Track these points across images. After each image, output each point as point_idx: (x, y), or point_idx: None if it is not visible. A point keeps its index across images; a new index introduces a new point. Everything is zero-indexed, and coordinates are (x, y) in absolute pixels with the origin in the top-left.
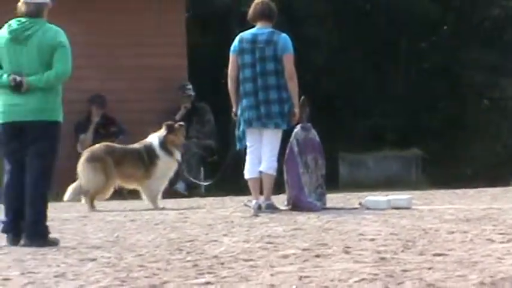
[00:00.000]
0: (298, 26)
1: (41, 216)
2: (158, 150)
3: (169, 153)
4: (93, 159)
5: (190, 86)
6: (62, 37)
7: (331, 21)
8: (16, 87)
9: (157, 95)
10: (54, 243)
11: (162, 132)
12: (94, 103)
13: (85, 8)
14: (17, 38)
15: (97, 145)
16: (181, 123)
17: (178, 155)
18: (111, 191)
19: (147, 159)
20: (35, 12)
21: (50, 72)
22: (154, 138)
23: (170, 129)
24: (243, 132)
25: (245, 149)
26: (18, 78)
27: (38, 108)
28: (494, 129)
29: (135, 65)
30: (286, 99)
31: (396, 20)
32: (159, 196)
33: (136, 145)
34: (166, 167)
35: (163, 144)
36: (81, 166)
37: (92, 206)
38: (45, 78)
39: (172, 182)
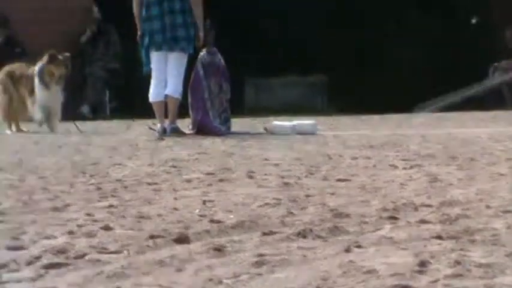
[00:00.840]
0: None
1: None
2: (36, 80)
3: (45, 84)
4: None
5: (96, 9)
6: None
7: None
8: None
9: (63, 17)
10: None
11: (43, 61)
12: None
13: None
14: None
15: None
16: (67, 54)
17: (56, 87)
18: (23, 110)
19: (30, 85)
20: None
21: None
22: (37, 67)
23: (51, 60)
24: (147, 56)
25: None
26: None
27: None
28: (399, 55)
29: None
30: (191, 24)
31: None
32: (42, 123)
33: (30, 70)
34: (41, 97)
35: (41, 74)
36: None
37: (10, 129)
38: None
39: (77, 105)
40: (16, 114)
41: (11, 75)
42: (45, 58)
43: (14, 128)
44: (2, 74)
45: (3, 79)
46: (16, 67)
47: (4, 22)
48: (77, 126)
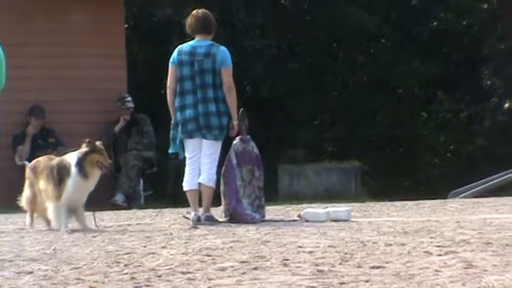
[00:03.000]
0: (238, 38)
1: None
2: (74, 169)
3: (85, 173)
4: (26, 175)
5: (129, 98)
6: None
7: (271, 33)
8: None
9: (96, 107)
10: None
11: (83, 150)
12: (32, 114)
13: (23, 19)
14: None
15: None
16: (101, 143)
17: (95, 177)
18: (43, 206)
19: (53, 176)
20: None
21: None
22: (75, 156)
23: (93, 148)
24: (177, 139)
25: (174, 156)
26: None
27: None
28: (432, 142)
29: (74, 76)
30: (224, 112)
31: (335, 32)
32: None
33: (53, 161)
34: (74, 187)
35: (82, 163)
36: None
37: (30, 221)
38: None
39: (111, 194)
40: (37, 208)
41: (34, 170)
42: (85, 147)
43: (30, 221)
44: (28, 169)
45: (28, 173)
46: (41, 160)
47: (40, 112)
48: (94, 218)
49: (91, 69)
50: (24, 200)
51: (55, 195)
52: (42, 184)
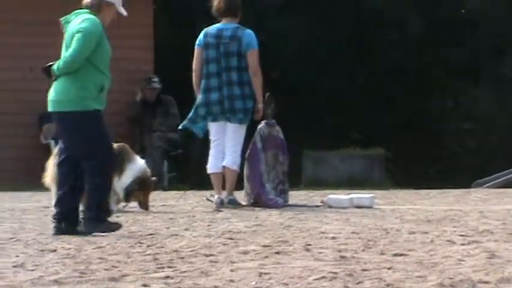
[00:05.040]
0: (266, 21)
1: None
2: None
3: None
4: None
5: (156, 79)
6: (84, 23)
7: (298, 15)
8: (46, 73)
9: (123, 87)
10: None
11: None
12: None
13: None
14: (64, 26)
15: None
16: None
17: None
18: None
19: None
20: (85, 5)
21: (62, 57)
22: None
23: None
24: (197, 119)
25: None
26: (47, 64)
27: (56, 100)
28: (457, 130)
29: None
30: (249, 95)
31: (361, 16)
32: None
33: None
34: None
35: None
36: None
37: None
38: (58, 64)
39: None
40: None
41: None
42: (137, 181)
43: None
44: None
45: None
46: None
47: None
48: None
49: (118, 50)
50: (50, 178)
51: None
52: None
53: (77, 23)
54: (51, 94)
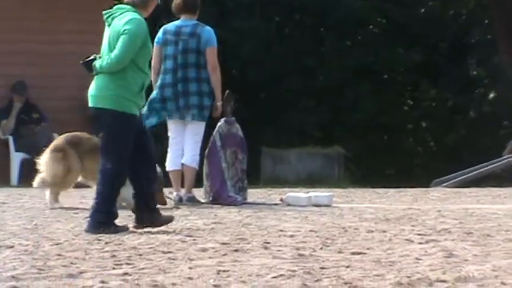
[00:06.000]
0: (226, 18)
1: None
2: None
3: None
4: (55, 149)
5: None
6: (129, 25)
7: (259, 14)
8: (86, 68)
9: (79, 83)
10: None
11: None
12: (15, 89)
13: None
14: (106, 21)
15: (63, 135)
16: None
17: None
18: (72, 183)
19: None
20: (131, 1)
21: (106, 57)
22: None
23: None
24: (150, 111)
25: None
26: (88, 58)
27: (95, 95)
28: (415, 130)
29: (56, 52)
30: (207, 93)
31: (323, 16)
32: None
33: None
34: None
35: None
36: (44, 157)
37: (55, 200)
38: (100, 63)
39: None
40: (66, 187)
41: (75, 145)
42: None
43: (55, 198)
44: (65, 143)
45: (65, 147)
46: (83, 138)
47: (22, 88)
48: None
49: (73, 45)
50: (52, 176)
51: None
52: (88, 163)
53: (123, 22)
54: (91, 89)
